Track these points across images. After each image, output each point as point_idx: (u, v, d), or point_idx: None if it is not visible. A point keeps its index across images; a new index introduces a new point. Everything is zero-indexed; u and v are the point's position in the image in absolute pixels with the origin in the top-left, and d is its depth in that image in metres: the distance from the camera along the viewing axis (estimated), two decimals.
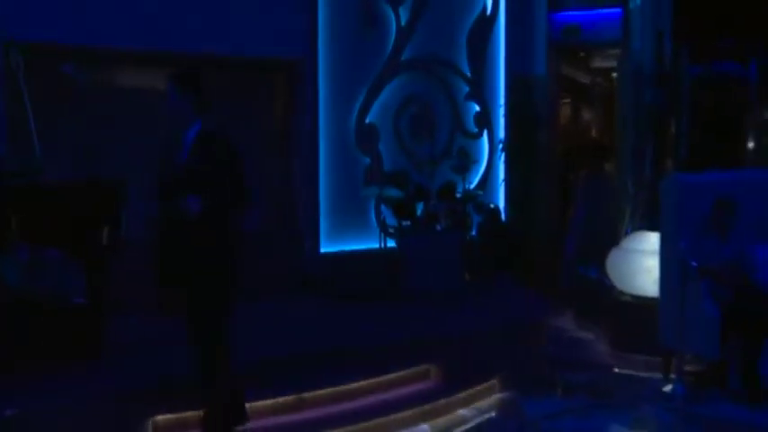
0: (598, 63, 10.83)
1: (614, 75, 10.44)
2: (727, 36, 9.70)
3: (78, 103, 6.87)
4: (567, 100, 11.17)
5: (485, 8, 9.85)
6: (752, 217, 6.70)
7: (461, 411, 6.09)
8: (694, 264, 6.39)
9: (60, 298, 5.58)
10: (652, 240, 7.54)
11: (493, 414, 6.12)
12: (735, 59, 10.14)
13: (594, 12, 10.09)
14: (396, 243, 8.66)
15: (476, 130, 9.88)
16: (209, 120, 4.93)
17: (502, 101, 10.05)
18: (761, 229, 6.68)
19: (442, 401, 6.09)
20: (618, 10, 9.59)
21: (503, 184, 10.03)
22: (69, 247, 5.69)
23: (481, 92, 9.88)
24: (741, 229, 6.69)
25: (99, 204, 5.91)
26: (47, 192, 5.78)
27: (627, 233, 8.51)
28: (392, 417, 5.76)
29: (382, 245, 8.69)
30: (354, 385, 5.93)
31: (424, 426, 5.78)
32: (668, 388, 6.55)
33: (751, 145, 10.46)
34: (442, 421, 5.91)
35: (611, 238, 8.51)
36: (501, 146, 9.96)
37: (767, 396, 6.16)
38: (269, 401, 5.55)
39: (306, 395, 5.70)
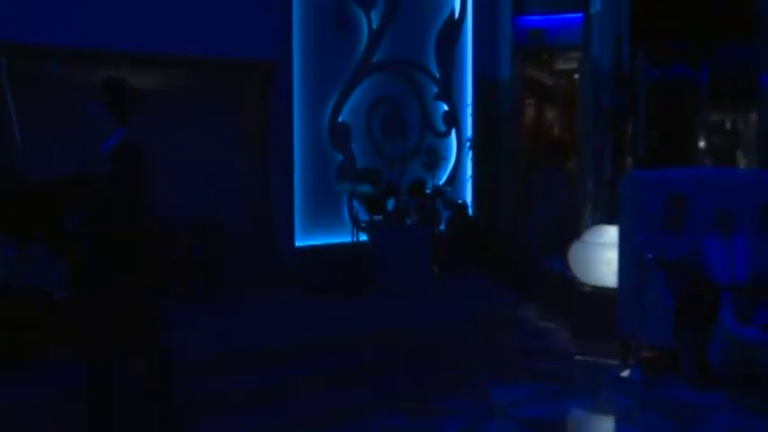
0: (561, 65, 10.92)
1: (576, 77, 10.55)
2: (680, 42, 9.86)
3: (60, 102, 6.88)
4: (532, 101, 11.26)
5: (453, 12, 9.93)
6: (703, 211, 6.82)
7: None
8: (650, 256, 6.53)
9: (44, 292, 5.57)
10: (611, 234, 7.65)
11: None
12: (688, 64, 10.30)
13: (557, 17, 10.19)
14: (368, 237, 8.72)
15: (444, 128, 9.96)
16: (129, 131, 4.85)
17: (469, 101, 10.13)
18: (711, 222, 6.80)
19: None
20: (579, 15, 9.73)
21: (470, 180, 10.13)
22: (52, 243, 5.71)
23: (449, 92, 9.96)
24: (693, 223, 6.82)
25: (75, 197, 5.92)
26: (31, 189, 5.78)
27: (588, 227, 8.65)
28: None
29: (355, 239, 8.75)
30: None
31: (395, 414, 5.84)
32: (626, 373, 6.62)
33: (702, 144, 10.64)
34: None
35: (569, 231, 8.63)
36: (468, 144, 10.06)
37: (715, 379, 6.30)
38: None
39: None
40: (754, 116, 10.26)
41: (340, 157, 9.02)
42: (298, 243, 8.67)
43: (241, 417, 5.34)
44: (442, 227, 9.42)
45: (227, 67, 8.49)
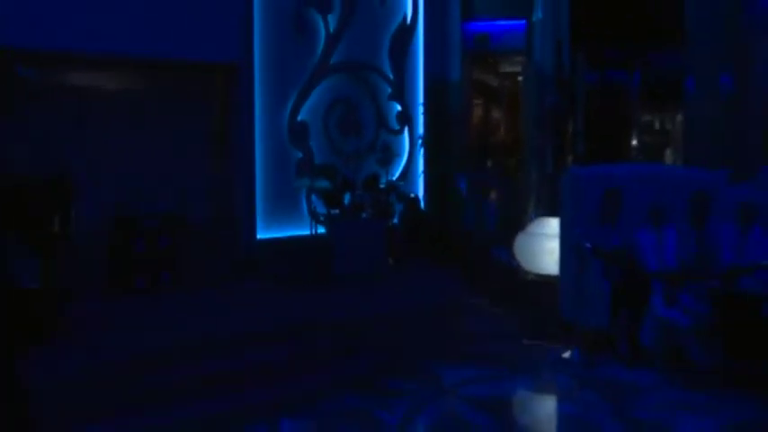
0: (506, 68, 11.06)
1: (520, 79, 10.71)
2: (615, 49, 10.07)
3: (34, 104, 6.81)
4: (479, 101, 11.40)
5: (405, 18, 10.01)
6: (637, 205, 6.96)
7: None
8: (588, 246, 6.69)
9: (14, 282, 5.53)
10: (553, 225, 7.79)
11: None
12: (622, 69, 10.51)
13: (502, 23, 10.32)
14: (326, 230, 8.78)
15: (397, 127, 10.05)
16: None
17: (421, 101, 10.23)
18: (644, 215, 6.96)
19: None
20: (522, 22, 9.89)
21: (422, 175, 10.24)
22: (24, 235, 5.68)
23: (402, 93, 10.05)
24: (627, 215, 6.98)
25: (52, 198, 5.91)
26: (4, 187, 5.74)
27: (531, 219, 8.81)
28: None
29: (313, 232, 8.81)
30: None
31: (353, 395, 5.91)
32: (567, 355, 6.75)
33: (634, 142, 10.87)
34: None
35: (514, 224, 8.77)
36: (420, 141, 10.16)
37: (647, 359, 6.50)
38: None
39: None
40: (680, 117, 10.55)
41: (299, 155, 9.06)
42: (259, 236, 8.70)
43: (204, 402, 5.36)
44: (396, 220, 9.51)
45: (192, 69, 8.46)
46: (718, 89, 8.82)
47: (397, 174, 9.95)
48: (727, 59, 8.92)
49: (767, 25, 8.90)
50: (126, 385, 5.21)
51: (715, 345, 6.09)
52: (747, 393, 5.75)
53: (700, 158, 8.60)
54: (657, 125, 11.49)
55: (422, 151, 10.19)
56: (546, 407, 6.19)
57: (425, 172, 10.22)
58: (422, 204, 9.96)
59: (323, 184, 8.84)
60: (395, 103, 9.99)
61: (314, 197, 9.07)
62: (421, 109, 10.18)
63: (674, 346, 6.31)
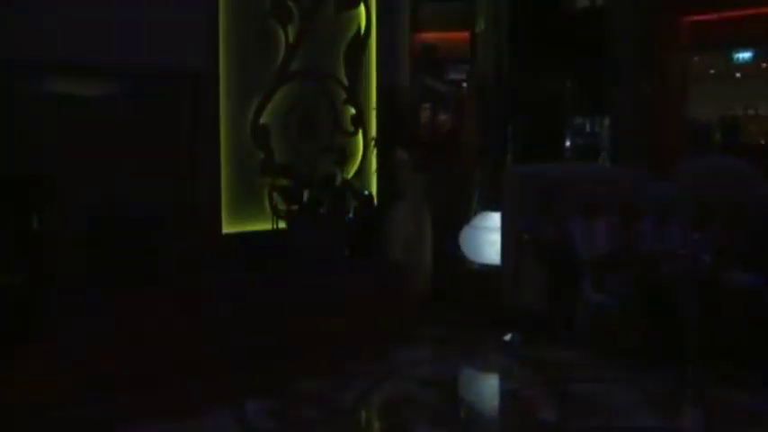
0: (452, 76, 11.15)
1: (465, 85, 10.81)
2: (551, 58, 10.24)
3: (11, 109, 6.67)
4: (428, 106, 11.48)
5: (359, 28, 10.02)
6: (571, 199, 7.09)
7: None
8: (527, 237, 6.81)
9: None
10: (495, 219, 7.88)
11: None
12: (556, 76, 10.69)
13: (448, 33, 10.41)
14: (286, 225, 8.76)
15: (352, 129, 10.06)
16: None
17: (374, 105, 10.25)
18: (577, 209, 7.10)
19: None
20: (466, 33, 9.99)
21: (375, 174, 10.26)
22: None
23: (357, 97, 10.05)
24: (562, 209, 7.12)
25: (30, 198, 5.81)
26: None
27: (475, 214, 8.90)
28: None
29: (274, 226, 8.78)
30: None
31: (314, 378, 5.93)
32: (507, 337, 6.86)
33: (568, 144, 11.07)
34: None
35: (460, 218, 8.85)
36: (373, 143, 10.18)
37: (579, 340, 6.63)
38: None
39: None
40: (608, 120, 10.78)
41: (261, 155, 9.02)
42: (225, 230, 8.64)
43: (171, 386, 5.36)
44: (351, 215, 9.53)
45: (160, 75, 8.33)
46: (639, 95, 9.03)
47: (352, 173, 9.95)
48: (647, 69, 9.14)
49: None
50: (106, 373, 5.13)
51: (638, 325, 6.26)
52: (666, 369, 5.92)
53: (624, 158, 8.80)
54: (588, 128, 11.72)
55: (375, 152, 10.21)
56: (488, 384, 6.27)
57: (378, 171, 10.25)
58: (375, 201, 9.99)
59: (283, 182, 8.82)
60: (350, 106, 9.99)
61: (275, 194, 9.03)
62: (374, 113, 10.20)
63: (603, 327, 6.46)
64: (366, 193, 10.15)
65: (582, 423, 5.00)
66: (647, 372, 5.89)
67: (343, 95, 10.22)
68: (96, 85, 8.05)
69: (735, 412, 5.14)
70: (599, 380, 5.82)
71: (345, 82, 10.24)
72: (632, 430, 4.88)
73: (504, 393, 5.86)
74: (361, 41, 10.51)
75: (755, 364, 5.72)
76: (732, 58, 10.79)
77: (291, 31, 9.44)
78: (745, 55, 10.72)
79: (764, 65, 11.50)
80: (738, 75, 11.96)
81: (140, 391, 5.20)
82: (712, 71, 11.73)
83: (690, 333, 5.78)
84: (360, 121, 10.39)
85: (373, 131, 10.51)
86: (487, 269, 7.83)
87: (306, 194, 9.34)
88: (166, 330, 5.88)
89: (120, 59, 7.71)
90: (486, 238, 7.91)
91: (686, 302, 5.82)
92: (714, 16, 9.60)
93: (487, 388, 6.15)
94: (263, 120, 9.17)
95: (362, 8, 10.24)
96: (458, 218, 9.11)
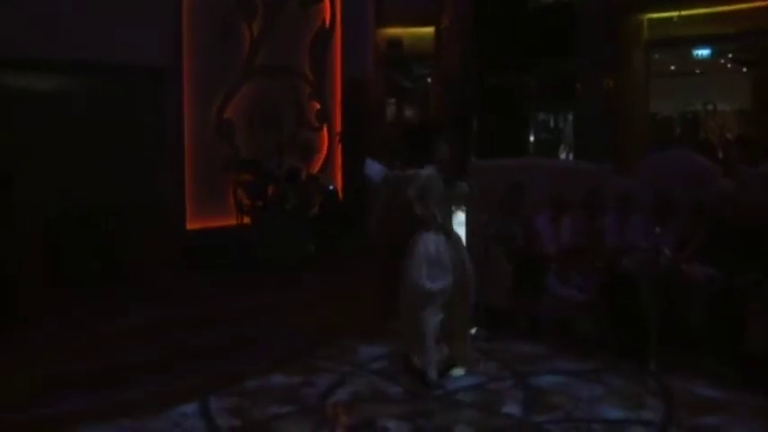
0: (417, 71, 11.16)
1: (429, 81, 10.82)
2: (515, 55, 10.29)
3: None
4: (393, 100, 11.48)
5: (324, 23, 9.97)
6: (535, 194, 7.10)
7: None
8: (492, 232, 6.82)
9: None
10: (460, 215, 7.87)
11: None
12: (521, 73, 10.75)
13: (413, 29, 10.41)
14: (251, 220, 8.69)
15: (317, 124, 10.02)
16: None
17: (339, 100, 10.22)
18: (542, 204, 7.13)
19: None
20: (431, 28, 9.99)
21: (340, 169, 10.23)
22: None
23: (322, 93, 10.02)
24: (527, 204, 7.13)
25: None
26: None
27: None
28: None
29: (239, 222, 8.71)
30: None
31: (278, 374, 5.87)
32: (473, 331, 6.83)
33: (532, 139, 11.16)
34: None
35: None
36: (338, 137, 10.16)
37: (544, 333, 6.69)
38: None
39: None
40: (571, 116, 10.88)
41: (226, 150, 8.93)
42: (189, 226, 8.54)
43: (135, 384, 5.26)
44: (316, 210, 9.49)
45: (125, 71, 8.24)
46: (601, 93, 9.12)
47: (317, 167, 9.91)
48: (608, 67, 9.23)
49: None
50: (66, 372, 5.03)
51: (601, 318, 6.32)
52: (627, 362, 5.99)
53: (587, 153, 8.88)
54: (552, 124, 11.82)
55: (339, 146, 10.18)
56: (453, 377, 6.27)
57: (343, 165, 10.23)
58: (340, 196, 9.96)
59: (247, 177, 8.75)
60: (315, 101, 9.95)
61: (239, 190, 8.96)
62: (339, 108, 10.17)
63: (567, 321, 6.51)
64: (331, 187, 10.13)
65: (546, 415, 5.03)
66: (610, 366, 5.95)
67: (308, 90, 10.18)
68: (57, 80, 7.91)
69: (695, 401, 5.22)
70: (564, 374, 5.86)
71: (310, 77, 10.20)
72: (596, 422, 4.92)
73: (470, 387, 5.86)
74: (325, 36, 10.47)
75: (715, 353, 5.81)
76: (692, 55, 10.98)
77: (256, 26, 9.38)
78: (704, 52, 10.90)
79: (722, 61, 11.71)
80: (698, 71, 12.16)
81: (99, 390, 5.09)
82: (672, 67, 11.91)
83: (652, 325, 5.85)
84: (325, 115, 10.36)
85: (338, 126, 10.50)
86: None
87: (271, 190, 9.31)
88: (128, 328, 5.78)
89: (82, 55, 7.57)
90: None
91: (648, 295, 5.89)
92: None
93: (452, 381, 6.15)
94: (227, 115, 9.09)
95: (327, 3, 10.21)
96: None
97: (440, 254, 5.35)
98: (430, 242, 5.38)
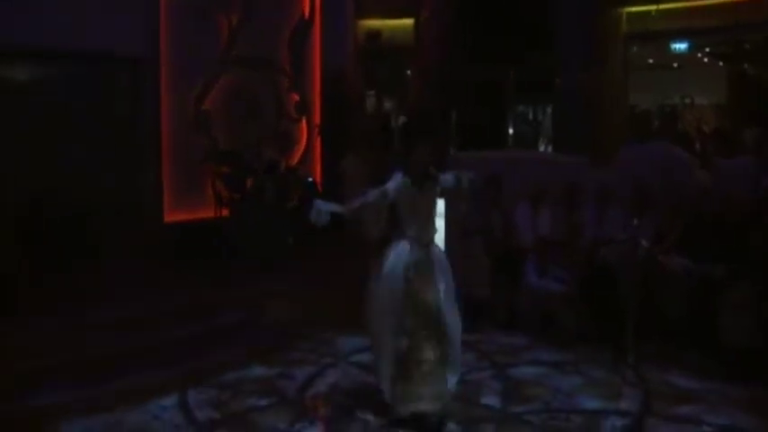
0: (396, 63, 11.13)
1: (408, 73, 10.80)
2: (495, 48, 10.27)
3: None
4: (372, 92, 11.44)
5: (303, 14, 9.90)
6: (514, 186, 7.12)
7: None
8: (471, 224, 6.82)
9: None
10: (439, 205, 7.87)
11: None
12: (500, 66, 10.74)
13: (393, 21, 10.37)
14: (229, 212, 8.62)
15: (296, 116, 9.96)
16: None
17: (318, 92, 10.16)
18: (521, 195, 7.15)
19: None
20: (411, 20, 9.96)
21: (319, 161, 10.18)
22: None
23: (301, 84, 9.95)
24: (506, 195, 7.14)
25: None
26: None
27: None
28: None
29: (217, 214, 8.64)
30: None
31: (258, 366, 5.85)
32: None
33: (511, 131, 11.17)
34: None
35: None
36: (317, 129, 10.10)
37: (522, 325, 6.71)
38: None
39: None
40: (550, 109, 10.91)
41: (204, 142, 8.84)
42: (167, 219, 8.46)
43: (116, 376, 5.21)
44: (295, 202, 9.43)
45: (102, 60, 8.12)
46: (580, 85, 9.14)
47: (297, 159, 9.86)
48: (588, 60, 9.26)
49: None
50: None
51: (580, 310, 6.35)
52: (605, 353, 6.03)
53: (566, 145, 8.90)
54: (531, 116, 11.85)
55: (319, 138, 10.13)
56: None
57: (322, 157, 10.17)
58: (319, 188, 9.91)
59: (226, 169, 8.68)
60: (294, 93, 9.88)
61: (218, 182, 8.87)
62: (318, 99, 10.10)
63: (546, 312, 6.54)
64: (310, 179, 10.07)
65: (524, 406, 5.04)
66: (588, 357, 5.99)
67: (287, 82, 10.11)
68: (31, 68, 7.78)
69: (671, 391, 5.27)
70: (542, 365, 5.88)
71: (289, 68, 10.12)
72: (574, 412, 4.95)
73: None
74: (304, 27, 10.39)
75: (692, 345, 5.87)
76: (670, 49, 11.05)
77: (234, 16, 9.28)
78: (681, 46, 10.98)
79: (699, 55, 11.80)
80: (676, 65, 12.25)
81: (77, 383, 5.03)
82: (651, 61, 11.98)
83: (630, 316, 5.88)
84: (304, 107, 10.29)
85: (318, 118, 10.44)
86: None
87: (249, 182, 9.23)
88: (105, 321, 5.71)
89: (59, 44, 7.44)
90: None
91: (626, 286, 5.92)
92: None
93: None
94: (205, 106, 8.99)
95: None
96: None
97: (400, 269, 4.68)
98: (400, 254, 4.73)
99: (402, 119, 11.15)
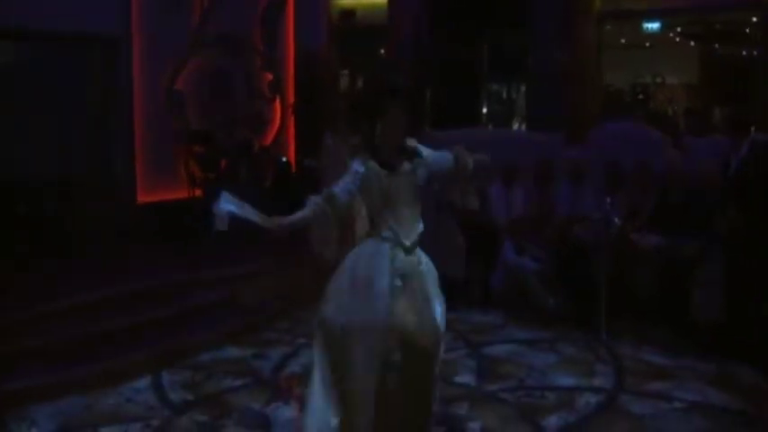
0: (371, 42, 10.99)
1: (382, 52, 10.68)
2: (468, 26, 10.17)
3: None
4: (346, 72, 11.31)
5: None
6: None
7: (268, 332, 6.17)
8: (445, 202, 6.77)
9: None
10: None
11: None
12: (474, 44, 10.65)
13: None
14: (203, 193, 8.51)
15: (269, 95, 9.82)
16: None
17: (292, 71, 10.03)
18: (496, 174, 7.12)
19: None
20: None
21: (293, 140, 10.07)
22: None
23: (274, 64, 9.80)
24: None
25: None
26: None
27: None
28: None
29: (191, 194, 8.53)
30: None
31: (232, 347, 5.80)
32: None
33: (485, 110, 11.11)
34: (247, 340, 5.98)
35: None
36: (291, 109, 9.98)
37: (497, 303, 6.72)
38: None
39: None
40: (523, 87, 10.87)
41: (177, 122, 8.69)
42: (140, 199, 8.32)
43: (91, 358, 5.12)
44: (269, 182, 9.34)
45: (72, 39, 7.90)
46: (554, 64, 9.10)
47: (270, 139, 9.74)
48: (561, 39, 9.21)
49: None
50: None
51: (555, 287, 6.37)
52: (579, 330, 6.05)
53: (540, 124, 8.88)
54: (505, 95, 11.79)
55: (292, 118, 10.01)
56: None
57: (296, 137, 10.07)
58: (293, 168, 9.81)
59: (199, 149, 8.55)
60: (267, 72, 9.74)
61: (191, 162, 8.75)
62: (292, 79, 9.97)
63: (521, 290, 6.55)
64: (284, 159, 9.96)
65: (499, 384, 5.05)
66: (564, 335, 6.01)
67: (260, 61, 9.94)
68: (2, 49, 7.58)
69: (644, 368, 5.30)
70: (517, 343, 5.89)
71: (262, 48, 9.96)
72: (548, 389, 4.96)
73: None
74: (278, 6, 10.21)
75: (664, 321, 5.91)
76: (642, 28, 11.04)
77: None
78: (653, 25, 10.97)
79: (671, 35, 11.81)
80: (648, 44, 12.24)
81: (49, 366, 4.93)
82: (623, 40, 11.96)
83: (602, 294, 5.90)
84: (278, 87, 10.14)
85: (291, 98, 10.31)
86: None
87: (223, 162, 9.11)
88: (77, 304, 5.60)
89: (28, 23, 7.24)
90: None
91: (599, 264, 5.94)
92: None
93: None
94: (177, 86, 8.82)
95: None
96: None
97: (372, 279, 3.47)
98: (363, 258, 3.51)
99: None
